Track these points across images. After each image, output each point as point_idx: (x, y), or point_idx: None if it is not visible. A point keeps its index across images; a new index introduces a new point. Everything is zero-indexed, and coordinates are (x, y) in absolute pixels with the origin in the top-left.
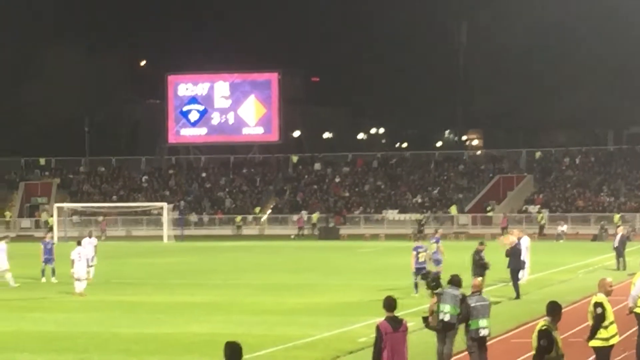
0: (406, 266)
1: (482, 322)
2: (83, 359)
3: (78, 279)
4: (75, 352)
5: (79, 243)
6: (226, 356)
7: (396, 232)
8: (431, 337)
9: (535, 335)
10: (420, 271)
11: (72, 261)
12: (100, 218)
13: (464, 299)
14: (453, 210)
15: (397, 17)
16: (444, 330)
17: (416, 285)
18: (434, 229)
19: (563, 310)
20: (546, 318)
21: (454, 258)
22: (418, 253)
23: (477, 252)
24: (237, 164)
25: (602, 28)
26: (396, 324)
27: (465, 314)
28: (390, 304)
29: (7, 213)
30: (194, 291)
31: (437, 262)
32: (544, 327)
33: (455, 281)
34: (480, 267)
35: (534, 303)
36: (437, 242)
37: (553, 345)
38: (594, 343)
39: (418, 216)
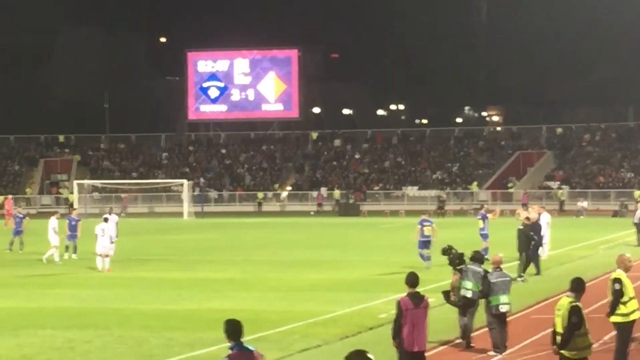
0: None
1: (503, 298)
2: (104, 335)
3: (100, 255)
4: (97, 328)
5: (105, 220)
6: (227, 333)
7: (416, 209)
8: (452, 313)
9: (563, 312)
10: (425, 244)
11: (96, 236)
12: (122, 195)
13: (485, 275)
14: (474, 186)
15: None
16: (466, 307)
17: (422, 256)
18: (480, 205)
19: None
20: (570, 294)
21: (474, 234)
22: (423, 226)
23: (525, 227)
24: (256, 140)
25: (623, 3)
26: (417, 300)
27: (487, 290)
28: (412, 280)
29: (28, 190)
30: (215, 267)
31: (485, 236)
32: (574, 304)
33: (477, 258)
34: (526, 242)
35: (555, 279)
36: (483, 218)
37: (583, 322)
38: (614, 319)
39: (439, 192)
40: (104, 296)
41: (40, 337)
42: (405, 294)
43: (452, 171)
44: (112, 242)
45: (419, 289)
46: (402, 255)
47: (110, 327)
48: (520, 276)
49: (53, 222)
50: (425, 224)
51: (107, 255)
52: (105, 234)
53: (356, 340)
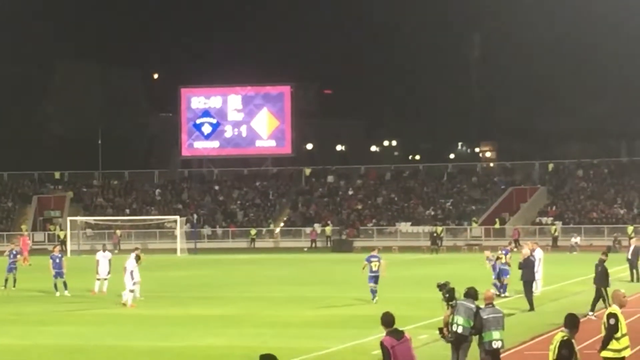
0: (422, 279)
1: (496, 334)
2: None
3: (129, 290)
4: None
5: (135, 256)
6: None
7: (409, 245)
8: (445, 349)
9: (555, 345)
10: (373, 279)
11: (128, 271)
12: (115, 231)
13: (477, 311)
14: (474, 224)
15: (410, 30)
16: (458, 343)
17: (372, 292)
18: (508, 241)
19: None
20: (564, 329)
21: (468, 270)
22: (370, 262)
23: (601, 263)
24: (250, 176)
25: (615, 41)
26: (398, 335)
27: (479, 326)
28: (388, 320)
29: (23, 226)
30: (209, 304)
31: (505, 272)
32: (565, 338)
33: (470, 294)
34: (604, 277)
35: (548, 315)
36: (506, 253)
37: (573, 355)
38: (605, 354)
39: (435, 228)
40: (97, 333)
41: None
42: (385, 333)
43: (445, 207)
44: (105, 279)
45: (410, 326)
46: (395, 291)
47: None
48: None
49: (131, 262)
50: (372, 259)
51: (130, 290)
52: (126, 270)
53: None
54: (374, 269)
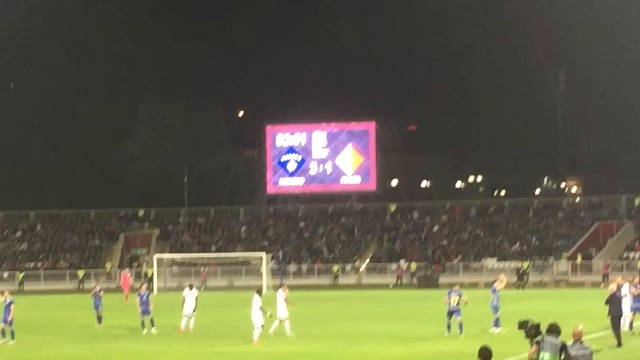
0: (507, 315)
1: None
2: None
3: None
4: None
5: (258, 292)
6: None
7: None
8: None
9: None
10: (453, 314)
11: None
12: (201, 268)
13: (564, 347)
14: (563, 258)
15: (495, 65)
16: None
17: (448, 327)
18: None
19: None
20: None
21: (554, 306)
22: (450, 297)
23: None
24: (335, 213)
25: None
26: None
27: None
28: (485, 354)
29: (108, 264)
30: (295, 341)
31: (495, 309)
32: None
33: (553, 329)
34: None
35: (637, 351)
36: (493, 291)
37: None
38: None
39: (521, 263)
40: None
41: None
42: None
43: (531, 243)
44: (190, 317)
45: None
46: (482, 327)
47: None
48: None
49: (281, 294)
50: (452, 294)
51: (260, 327)
52: (254, 307)
53: None
54: (453, 303)
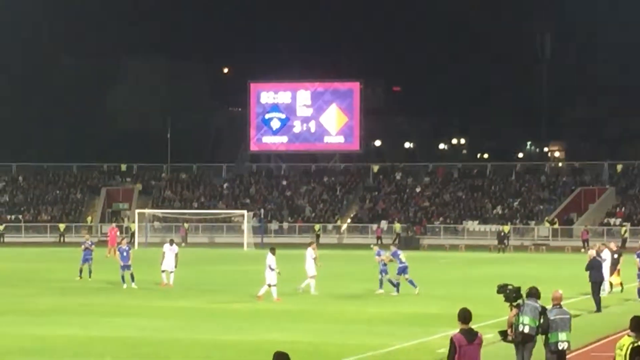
0: (487, 278)
1: (562, 336)
2: None
3: (269, 285)
4: (157, 358)
5: (271, 251)
6: None
7: (476, 243)
8: (510, 349)
9: (625, 352)
10: (383, 272)
11: (269, 268)
12: (183, 224)
13: (543, 311)
14: (546, 223)
15: (479, 28)
16: (523, 342)
17: (381, 283)
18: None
19: None
20: (631, 333)
21: (534, 270)
22: (380, 256)
23: None
24: (317, 172)
25: None
26: (471, 336)
27: (545, 326)
28: (465, 315)
29: (89, 218)
30: (277, 300)
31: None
32: (636, 345)
33: (533, 293)
34: None
35: (615, 316)
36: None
37: None
38: None
39: (501, 227)
40: (163, 326)
41: None
42: (458, 330)
43: (513, 206)
44: (170, 272)
45: (475, 325)
46: (462, 290)
47: (169, 357)
48: None
49: (310, 252)
50: (381, 253)
51: (274, 285)
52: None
53: None
54: (386, 261)
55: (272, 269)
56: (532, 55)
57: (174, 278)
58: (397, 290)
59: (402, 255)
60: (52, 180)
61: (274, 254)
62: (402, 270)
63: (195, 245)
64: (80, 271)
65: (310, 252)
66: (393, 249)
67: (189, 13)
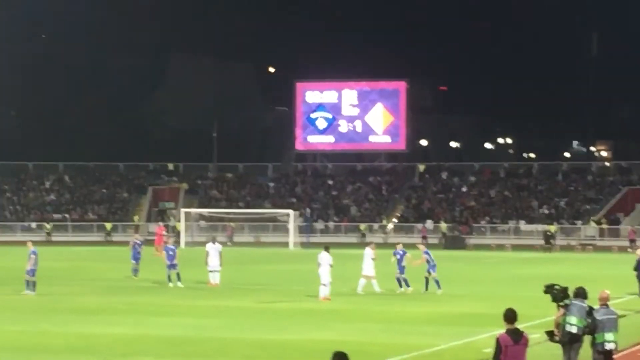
0: (534, 278)
1: (609, 336)
2: None
3: (323, 284)
4: (200, 357)
5: (326, 249)
6: None
7: (522, 243)
8: (556, 349)
9: None
10: (402, 272)
11: (319, 265)
12: (229, 224)
13: (590, 311)
14: (593, 224)
15: (527, 28)
16: (570, 343)
17: (399, 282)
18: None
19: None
20: None
21: (581, 270)
22: (400, 256)
23: None
24: (363, 172)
25: None
26: (517, 336)
27: (592, 326)
28: (510, 316)
29: (135, 217)
30: (318, 298)
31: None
32: None
33: (581, 293)
34: None
35: None
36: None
37: None
38: None
39: (550, 227)
40: (208, 325)
41: None
42: (504, 330)
43: (559, 206)
44: (215, 271)
45: (522, 325)
46: (508, 289)
47: (212, 356)
48: None
49: (369, 252)
50: (398, 254)
51: (328, 284)
52: (324, 263)
53: None
54: (403, 264)
55: (330, 266)
56: (579, 54)
57: (220, 277)
58: (407, 286)
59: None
60: (99, 179)
61: (328, 251)
62: (432, 269)
63: (241, 245)
64: (135, 270)
65: (369, 252)
66: (423, 247)
67: (235, 12)
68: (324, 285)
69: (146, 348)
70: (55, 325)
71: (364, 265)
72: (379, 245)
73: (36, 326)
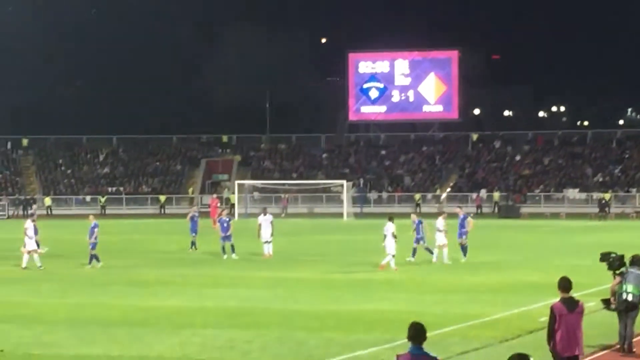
0: (589, 247)
1: None
2: (265, 335)
3: (391, 255)
4: (257, 328)
5: (390, 219)
6: (410, 336)
7: (577, 211)
8: (613, 317)
9: None
10: (419, 241)
11: (385, 236)
12: (282, 195)
13: None
14: None
15: None
16: (626, 311)
17: (413, 252)
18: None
19: None
20: None
21: (637, 238)
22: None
23: None
24: (416, 141)
25: None
26: (572, 305)
27: None
28: (565, 285)
29: (190, 189)
30: (374, 268)
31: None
32: None
33: (637, 261)
34: None
35: None
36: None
37: None
38: None
39: (605, 195)
40: (264, 296)
41: (201, 337)
42: (559, 299)
43: (613, 174)
44: (268, 242)
45: (577, 294)
46: (563, 258)
47: (270, 327)
48: None
49: (441, 222)
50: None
51: (391, 254)
52: (388, 234)
53: (516, 343)
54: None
55: (395, 237)
56: (633, 21)
57: (273, 248)
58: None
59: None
60: (153, 152)
61: (392, 221)
62: (464, 234)
63: (294, 216)
64: (192, 243)
65: (441, 222)
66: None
67: None
68: (392, 255)
69: (205, 320)
70: (112, 298)
71: (436, 236)
72: (433, 215)
73: (93, 299)
